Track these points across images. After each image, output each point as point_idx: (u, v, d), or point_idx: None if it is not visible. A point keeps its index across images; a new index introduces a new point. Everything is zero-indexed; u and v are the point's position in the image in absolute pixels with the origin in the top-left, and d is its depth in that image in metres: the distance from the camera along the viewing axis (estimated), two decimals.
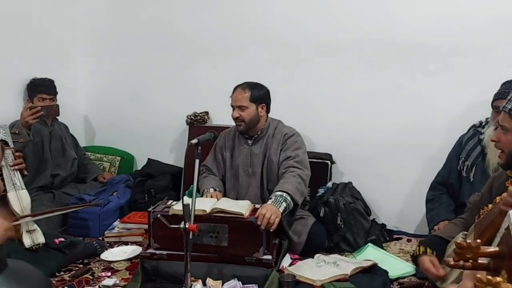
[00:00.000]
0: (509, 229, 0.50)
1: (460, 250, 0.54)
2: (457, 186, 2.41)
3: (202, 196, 2.42)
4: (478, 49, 2.59)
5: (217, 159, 2.60)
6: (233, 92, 2.49)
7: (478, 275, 0.48)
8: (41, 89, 2.84)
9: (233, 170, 2.54)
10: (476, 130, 2.41)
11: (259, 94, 2.47)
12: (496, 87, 2.30)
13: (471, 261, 0.53)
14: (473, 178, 2.32)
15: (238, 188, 2.50)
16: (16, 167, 2.21)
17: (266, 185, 2.48)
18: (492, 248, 0.54)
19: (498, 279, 0.48)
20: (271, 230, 2.08)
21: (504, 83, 2.28)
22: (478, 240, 0.55)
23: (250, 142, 2.54)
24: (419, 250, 1.82)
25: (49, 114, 2.77)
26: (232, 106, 2.47)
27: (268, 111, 2.54)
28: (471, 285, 0.50)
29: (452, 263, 0.55)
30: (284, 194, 2.21)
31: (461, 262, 0.54)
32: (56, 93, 2.92)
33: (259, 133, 2.52)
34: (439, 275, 1.71)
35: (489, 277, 0.48)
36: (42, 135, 2.85)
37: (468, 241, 0.53)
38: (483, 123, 2.40)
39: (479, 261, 0.54)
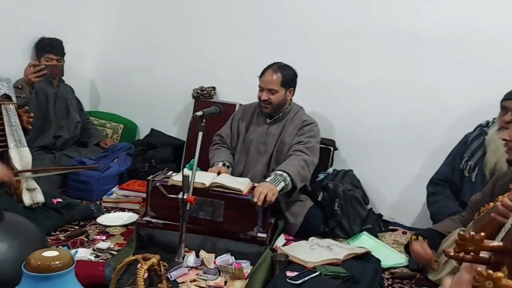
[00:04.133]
0: None
1: (462, 241, 0.53)
2: (458, 185, 2.38)
3: (211, 167, 2.42)
4: (496, 46, 2.52)
5: (232, 130, 2.59)
6: (263, 73, 2.44)
7: (479, 268, 0.47)
8: (48, 49, 2.81)
9: (245, 144, 2.53)
10: (482, 129, 2.37)
11: (289, 78, 2.44)
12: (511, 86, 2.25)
13: (472, 253, 0.53)
14: (475, 178, 2.28)
15: (246, 163, 2.50)
16: (25, 118, 2.20)
17: (273, 165, 2.46)
18: (496, 243, 0.52)
19: (499, 274, 0.47)
20: (267, 205, 2.08)
21: None
22: (482, 233, 0.54)
23: (268, 121, 2.52)
24: (411, 239, 1.86)
25: (52, 74, 2.74)
26: (261, 87, 2.43)
27: (293, 94, 2.51)
28: (469, 278, 0.49)
29: (452, 254, 0.54)
30: (284, 174, 2.21)
31: (462, 254, 0.53)
32: (64, 54, 2.89)
33: (280, 114, 2.50)
34: (428, 257, 1.74)
35: (490, 271, 0.47)
36: (47, 95, 2.82)
37: (472, 233, 0.52)
38: (490, 123, 2.36)
39: (480, 254, 0.53)
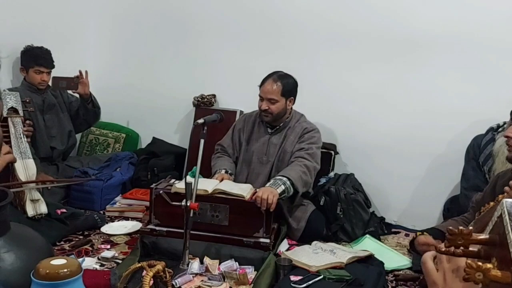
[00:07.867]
0: (502, 217, 0.51)
1: (452, 236, 0.55)
2: None
3: (213, 175, 2.44)
4: (496, 49, 2.54)
5: (234, 140, 2.61)
6: (263, 83, 2.43)
7: (469, 261, 0.49)
8: (41, 61, 2.66)
9: (247, 155, 2.54)
10: (493, 134, 2.34)
11: (290, 87, 2.44)
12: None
13: (462, 248, 0.54)
14: None
15: (249, 174, 2.51)
16: (26, 132, 2.22)
17: (274, 174, 2.46)
18: (484, 235, 0.54)
19: (488, 265, 0.49)
20: (271, 209, 2.10)
21: None
22: (470, 227, 0.56)
23: (270, 131, 2.53)
24: (416, 235, 1.88)
25: (68, 87, 2.72)
26: (261, 96, 2.43)
27: (294, 103, 2.52)
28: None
29: (443, 249, 0.56)
30: (284, 179, 2.23)
31: (452, 249, 0.55)
32: (54, 66, 2.76)
33: (281, 124, 2.51)
34: (434, 244, 1.75)
35: (480, 263, 0.49)
36: (34, 105, 2.63)
37: (460, 227, 0.54)
38: (500, 128, 2.31)
39: (470, 248, 0.55)
